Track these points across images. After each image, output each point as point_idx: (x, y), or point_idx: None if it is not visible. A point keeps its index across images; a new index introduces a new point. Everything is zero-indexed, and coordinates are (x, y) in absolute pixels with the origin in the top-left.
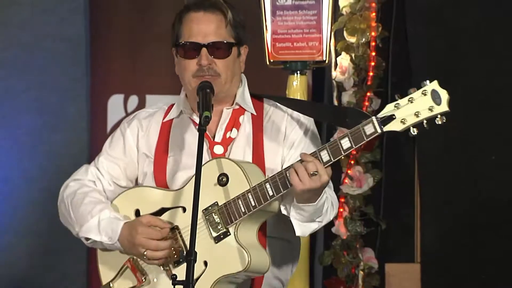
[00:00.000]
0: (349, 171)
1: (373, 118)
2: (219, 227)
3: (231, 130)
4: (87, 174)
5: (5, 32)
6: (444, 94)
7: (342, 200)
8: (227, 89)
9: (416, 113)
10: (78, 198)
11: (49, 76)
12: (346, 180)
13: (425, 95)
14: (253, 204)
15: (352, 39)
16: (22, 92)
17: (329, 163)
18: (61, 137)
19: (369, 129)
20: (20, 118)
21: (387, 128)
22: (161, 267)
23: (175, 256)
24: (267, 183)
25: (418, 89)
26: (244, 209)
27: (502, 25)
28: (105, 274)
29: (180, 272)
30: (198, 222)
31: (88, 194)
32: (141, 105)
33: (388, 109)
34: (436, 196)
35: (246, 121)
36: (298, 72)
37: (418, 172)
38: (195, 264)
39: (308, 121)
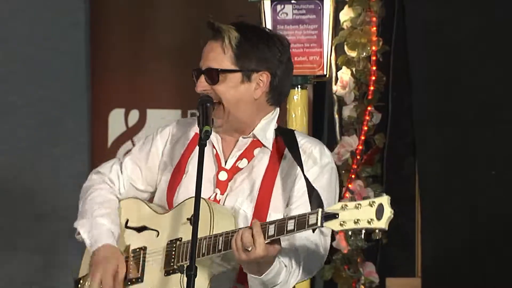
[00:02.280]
0: (349, 185)
1: (319, 211)
2: (171, 262)
3: (242, 160)
4: (111, 171)
5: (5, 46)
6: (387, 212)
7: None
8: (232, 116)
9: (356, 221)
10: (91, 192)
11: (49, 91)
12: (347, 194)
13: (371, 206)
14: (203, 251)
15: (353, 54)
16: (22, 106)
17: (272, 238)
18: (61, 152)
19: (312, 220)
20: (20, 132)
21: (327, 224)
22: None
23: (130, 274)
24: (221, 237)
25: (372, 197)
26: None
27: (502, 39)
28: (83, 268)
29: None
30: (159, 251)
31: (100, 192)
32: (142, 119)
33: (336, 207)
34: (436, 211)
35: (261, 155)
36: (299, 86)
37: (419, 187)
38: None
39: (326, 173)
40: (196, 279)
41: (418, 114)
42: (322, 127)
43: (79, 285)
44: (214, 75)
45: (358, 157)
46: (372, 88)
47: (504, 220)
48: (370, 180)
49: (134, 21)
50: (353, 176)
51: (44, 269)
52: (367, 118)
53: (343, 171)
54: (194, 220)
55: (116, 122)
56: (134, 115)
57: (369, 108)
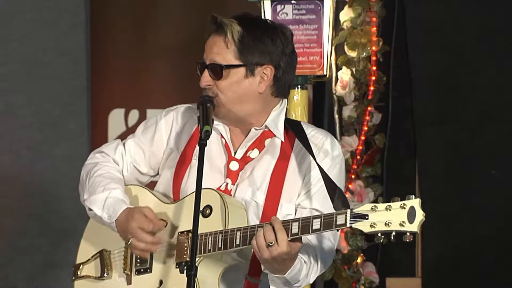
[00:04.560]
0: (350, 186)
1: (348, 211)
2: (184, 255)
3: (253, 150)
4: (115, 152)
5: (6, 46)
6: (419, 215)
7: None
8: (236, 110)
9: (387, 223)
10: (98, 168)
11: (49, 91)
12: (347, 194)
13: (403, 208)
14: (220, 246)
15: (353, 54)
16: (23, 106)
17: (296, 237)
18: (61, 152)
19: (340, 220)
20: (21, 132)
21: (356, 225)
22: (123, 270)
23: (138, 264)
24: (239, 231)
25: (401, 199)
26: (210, 248)
27: (502, 40)
28: (81, 255)
29: (138, 281)
30: (169, 243)
31: (108, 169)
32: (141, 119)
33: (366, 208)
34: (436, 211)
35: (272, 145)
36: (299, 86)
37: (419, 187)
38: (151, 279)
39: (336, 164)
40: (207, 271)
41: (418, 114)
42: (322, 127)
43: (78, 271)
44: (218, 71)
45: (358, 157)
46: (372, 88)
47: (504, 220)
48: (370, 180)
49: (134, 22)
50: (353, 176)
51: (44, 269)
52: (367, 118)
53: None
54: (194, 218)
55: (116, 122)
56: (134, 115)
57: (369, 108)
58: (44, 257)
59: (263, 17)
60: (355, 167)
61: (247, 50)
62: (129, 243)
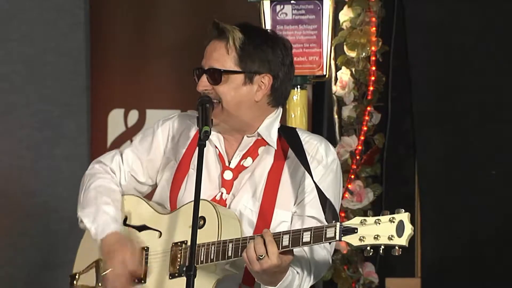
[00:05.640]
0: (349, 186)
1: (338, 224)
2: (177, 265)
3: (246, 159)
4: (112, 161)
5: (6, 46)
6: (408, 230)
7: (343, 214)
8: (233, 116)
9: (376, 236)
10: (94, 181)
11: (49, 91)
12: (346, 195)
13: (392, 222)
14: (212, 257)
15: (352, 54)
16: (22, 106)
17: (286, 249)
18: (61, 152)
19: (330, 233)
20: (20, 132)
21: (345, 238)
22: None
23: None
24: (231, 243)
25: (391, 213)
26: (203, 259)
27: (502, 40)
28: (78, 264)
29: None
30: (162, 253)
31: (103, 182)
32: (141, 119)
33: (355, 221)
34: (436, 211)
35: (265, 153)
36: (298, 86)
37: (419, 187)
38: None
39: (330, 172)
40: (200, 283)
41: (418, 114)
42: (321, 127)
43: (75, 281)
44: (216, 75)
45: (357, 157)
46: (371, 88)
47: (504, 220)
48: (370, 181)
49: (134, 21)
50: (352, 176)
51: (44, 269)
52: (367, 118)
53: (343, 172)
54: (193, 220)
55: (116, 122)
56: (133, 115)
57: (368, 108)
58: (44, 257)
59: (262, 17)
60: (355, 167)
61: (247, 58)
62: (103, 273)
